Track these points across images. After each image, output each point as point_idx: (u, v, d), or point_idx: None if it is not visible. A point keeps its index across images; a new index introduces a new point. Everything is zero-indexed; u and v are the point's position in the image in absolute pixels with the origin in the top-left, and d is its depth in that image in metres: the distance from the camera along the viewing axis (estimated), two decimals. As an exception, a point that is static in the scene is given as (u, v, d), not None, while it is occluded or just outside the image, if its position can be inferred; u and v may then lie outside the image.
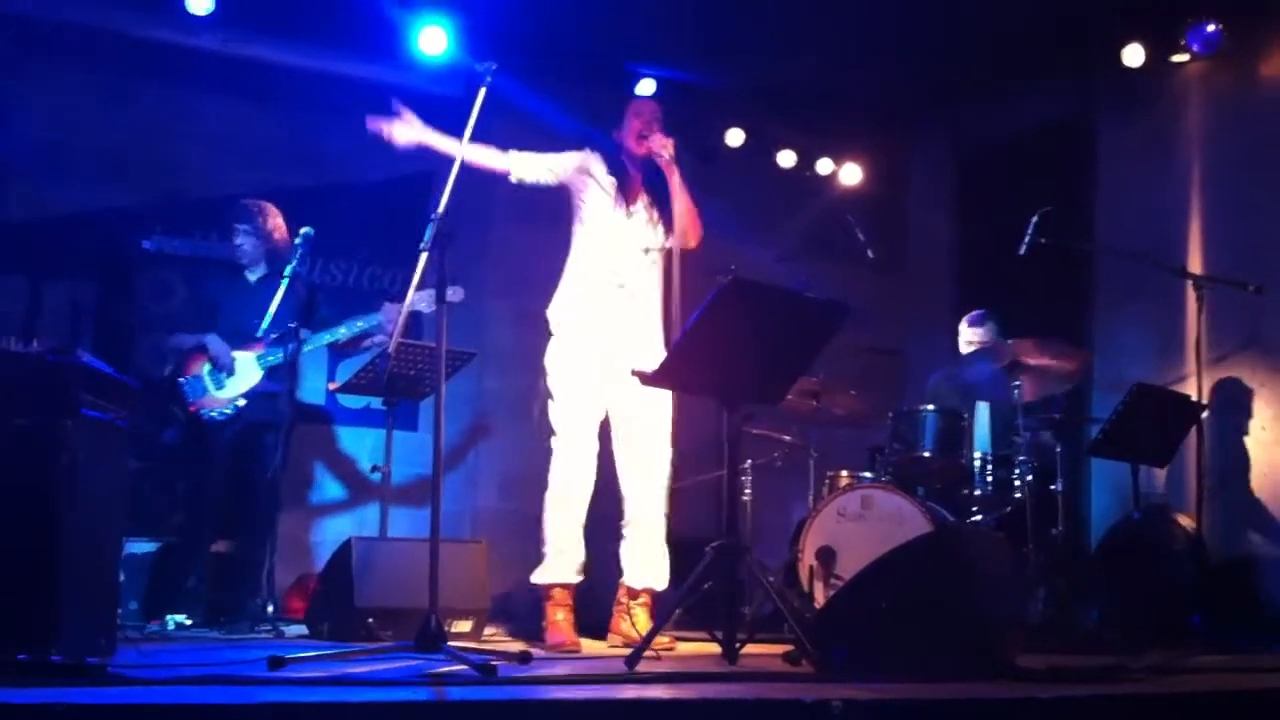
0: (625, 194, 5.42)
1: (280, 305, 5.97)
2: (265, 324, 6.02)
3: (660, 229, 5.42)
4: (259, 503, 6.15)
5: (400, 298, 6.13)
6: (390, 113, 5.26)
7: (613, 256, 5.37)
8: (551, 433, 5.25)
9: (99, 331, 6.73)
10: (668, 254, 5.38)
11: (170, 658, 4.03)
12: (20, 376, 3.42)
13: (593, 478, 5.24)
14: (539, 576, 5.23)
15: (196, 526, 6.10)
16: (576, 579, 5.24)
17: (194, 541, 6.08)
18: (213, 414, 6.10)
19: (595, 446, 5.25)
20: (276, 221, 6.34)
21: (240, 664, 3.73)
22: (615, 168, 5.46)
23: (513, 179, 5.43)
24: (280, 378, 6.09)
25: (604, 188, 5.42)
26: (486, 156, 5.36)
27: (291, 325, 5.97)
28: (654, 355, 5.16)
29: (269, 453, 6.13)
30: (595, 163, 5.47)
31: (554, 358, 5.33)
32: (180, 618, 5.75)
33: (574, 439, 5.21)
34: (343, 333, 6.12)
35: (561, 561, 5.20)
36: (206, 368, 6.13)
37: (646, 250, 5.41)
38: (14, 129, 6.69)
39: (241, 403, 6.11)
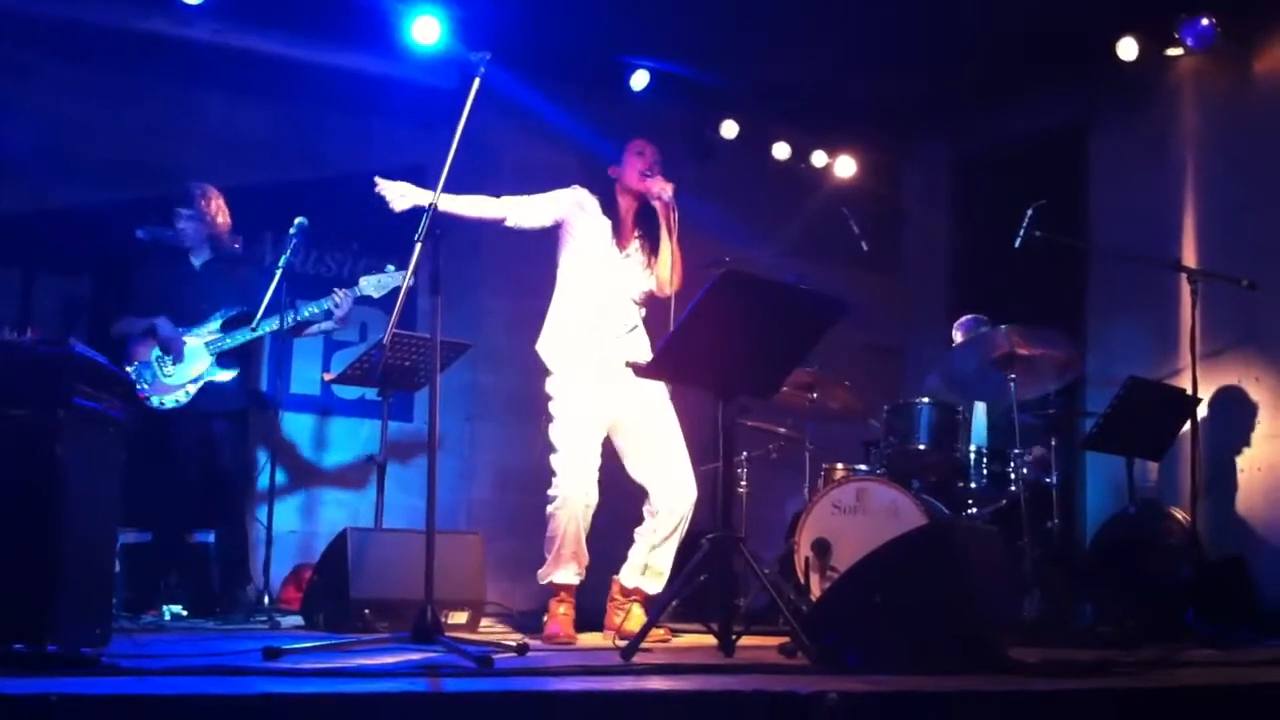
0: (619, 235, 5.39)
1: (273, 297, 5.95)
2: (259, 315, 5.99)
3: (650, 273, 5.40)
4: (227, 492, 6.15)
5: (382, 273, 6.18)
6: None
7: (604, 296, 5.34)
8: (554, 450, 5.25)
9: (93, 323, 6.71)
10: (647, 296, 5.41)
11: (165, 648, 4.02)
12: (14, 367, 3.42)
13: (595, 491, 5.22)
14: (546, 574, 5.22)
15: (169, 519, 6.05)
16: (578, 579, 5.24)
17: (169, 534, 6.04)
18: (164, 403, 5.99)
19: (597, 462, 5.23)
20: (219, 204, 6.26)
21: (236, 655, 3.73)
22: (609, 207, 5.41)
23: (508, 224, 5.36)
24: (231, 364, 6.08)
25: (598, 227, 5.39)
26: (480, 206, 5.30)
27: (235, 311, 5.98)
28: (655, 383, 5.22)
29: (226, 441, 6.12)
30: (589, 201, 5.43)
31: (555, 387, 5.30)
32: (176, 608, 5.74)
33: (575, 455, 5.18)
34: (290, 319, 6.02)
35: (568, 564, 5.20)
36: (155, 353, 6.02)
37: (636, 294, 5.39)
38: (10, 124, 6.67)
39: (193, 389, 6.01)
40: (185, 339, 6.05)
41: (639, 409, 5.28)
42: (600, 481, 5.22)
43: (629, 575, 5.30)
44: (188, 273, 6.24)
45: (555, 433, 5.24)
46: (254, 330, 6.00)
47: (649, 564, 5.28)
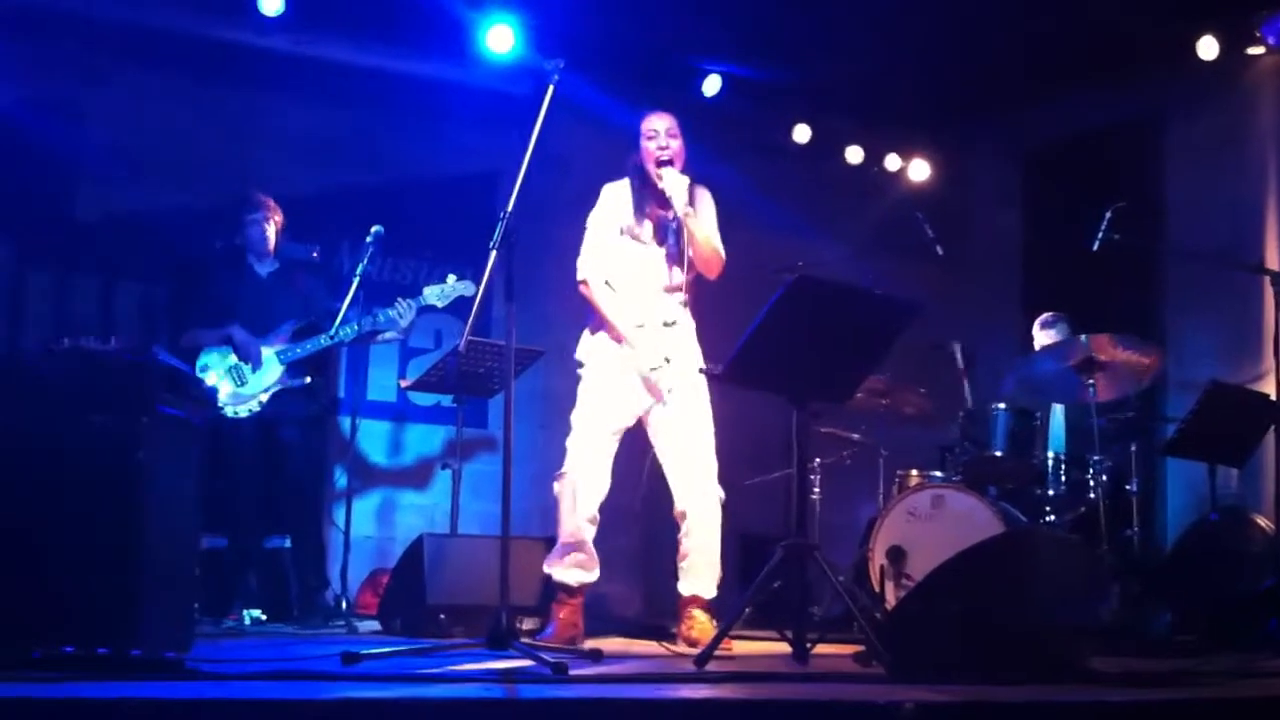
0: (640, 225, 5.24)
1: (350, 305, 6.02)
2: (336, 323, 6.05)
3: (685, 263, 5.22)
4: (301, 498, 6.21)
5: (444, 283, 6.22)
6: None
7: (631, 288, 5.23)
8: (569, 431, 5.24)
9: (172, 330, 6.83)
10: (692, 284, 5.27)
11: (245, 653, 4.08)
12: (98, 375, 3.47)
13: (606, 482, 5.17)
14: (547, 565, 5.21)
15: (242, 525, 6.11)
16: (577, 580, 5.15)
17: (243, 540, 6.10)
18: (237, 412, 6.03)
19: (609, 450, 5.16)
20: (279, 216, 6.34)
21: (315, 659, 3.78)
22: (637, 198, 5.24)
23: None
24: (302, 372, 6.14)
25: (624, 224, 5.24)
26: (611, 299, 5.22)
27: (304, 321, 6.06)
28: (694, 377, 5.14)
29: (298, 449, 6.18)
30: (623, 192, 5.28)
31: (583, 375, 5.24)
32: (256, 613, 5.81)
33: (584, 440, 5.14)
34: (354, 329, 6.07)
35: (566, 559, 5.15)
36: (229, 363, 6.08)
37: (673, 288, 5.23)
38: (88, 133, 6.80)
39: (265, 398, 6.06)
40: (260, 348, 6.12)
41: (671, 406, 5.19)
42: (650, 498, 5.18)
43: (681, 583, 5.26)
44: (254, 281, 6.31)
45: (574, 417, 5.22)
46: (332, 338, 6.05)
47: (686, 566, 5.21)
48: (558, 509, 5.18)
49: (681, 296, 5.27)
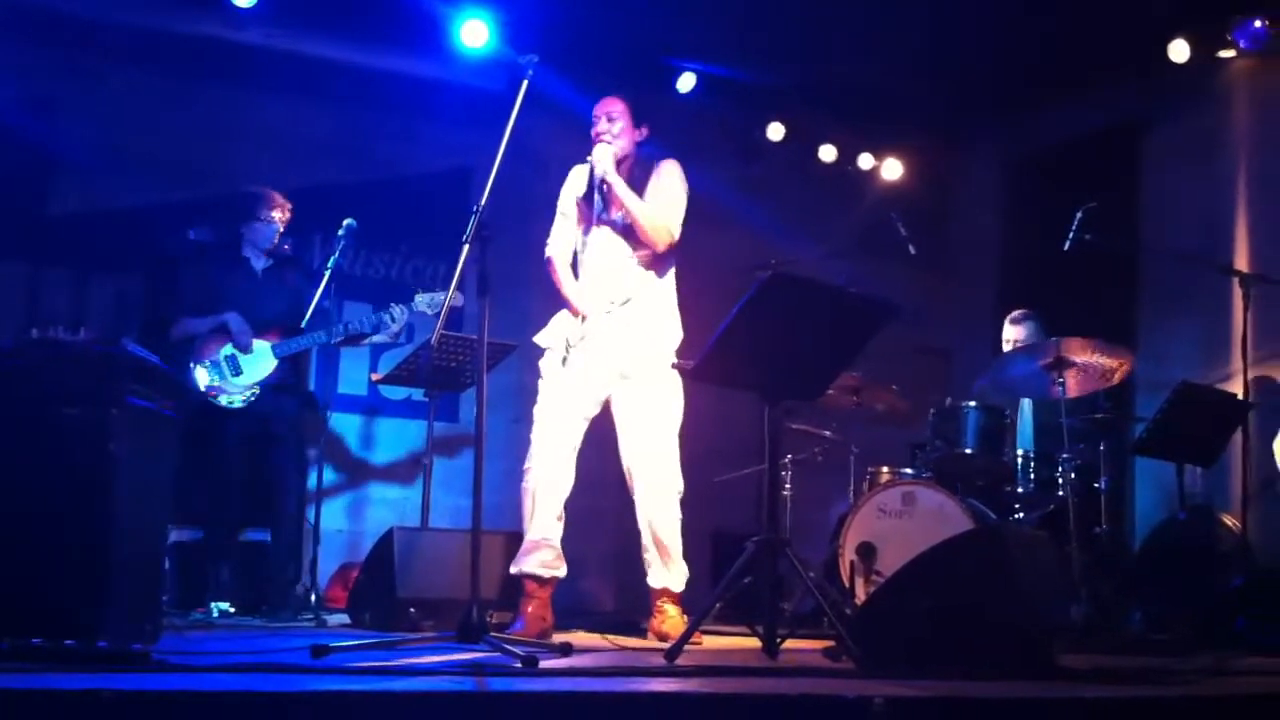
0: (593, 205, 5.30)
1: (321, 298, 6.03)
2: (308, 316, 6.07)
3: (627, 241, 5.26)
4: (282, 492, 6.20)
5: (437, 290, 6.23)
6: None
7: (585, 272, 5.29)
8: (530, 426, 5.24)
9: (145, 323, 6.79)
10: (654, 260, 5.27)
11: (214, 645, 4.06)
12: (68, 366, 3.45)
13: (569, 478, 5.17)
14: (514, 567, 5.19)
15: (221, 517, 6.10)
16: (545, 573, 5.14)
17: (221, 532, 6.09)
18: (231, 401, 6.03)
19: (573, 441, 5.18)
20: (288, 215, 6.35)
21: (283, 652, 3.76)
22: (590, 179, 5.33)
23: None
24: (288, 369, 6.15)
25: (578, 202, 5.35)
26: (571, 289, 5.31)
27: (293, 319, 6.06)
28: (655, 359, 5.15)
29: (285, 441, 6.18)
30: (580, 177, 5.39)
31: (541, 366, 5.27)
32: (224, 605, 5.80)
33: (541, 434, 5.16)
34: (341, 330, 6.13)
35: (530, 552, 5.14)
36: (224, 352, 6.08)
37: (623, 264, 5.25)
38: (62, 126, 6.77)
39: (256, 391, 6.06)
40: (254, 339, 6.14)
41: (628, 391, 5.19)
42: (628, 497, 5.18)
43: (649, 576, 5.26)
44: (249, 276, 6.31)
45: (535, 409, 5.23)
46: (328, 336, 6.10)
47: (650, 559, 5.22)
48: (523, 509, 5.17)
49: (639, 273, 5.25)
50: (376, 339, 6.33)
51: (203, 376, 6.01)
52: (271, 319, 6.15)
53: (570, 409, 5.18)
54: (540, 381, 5.26)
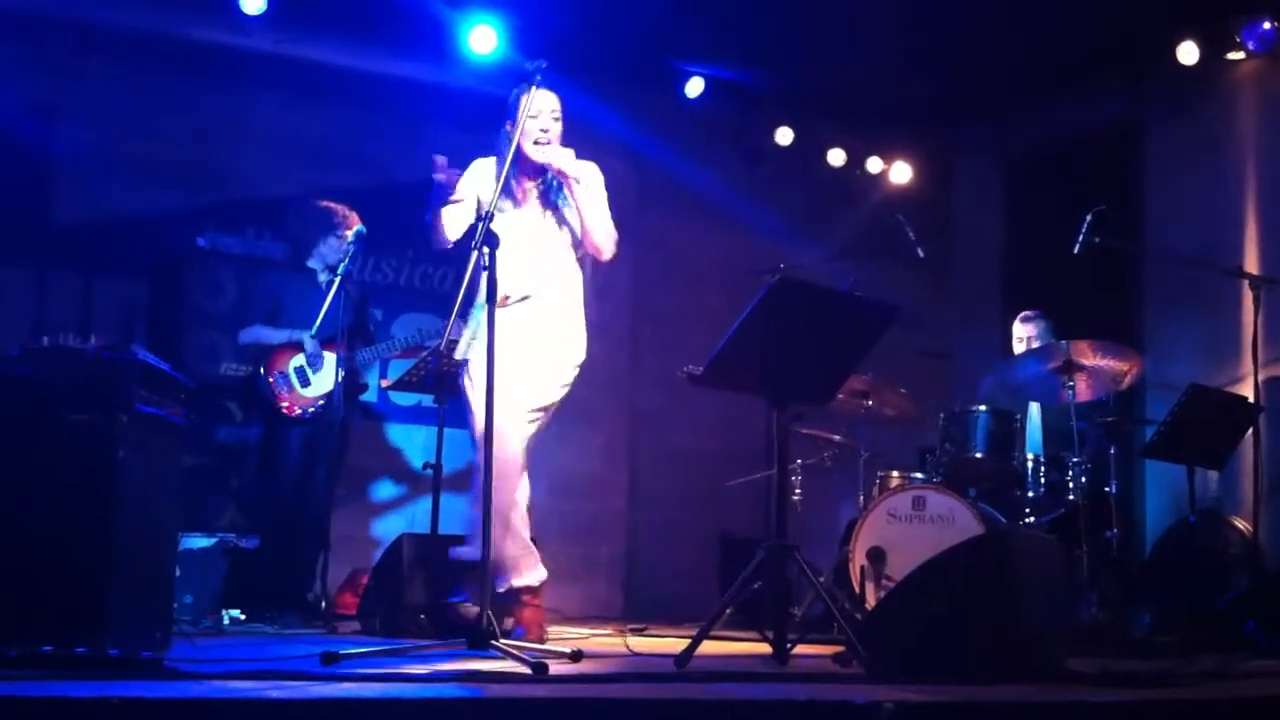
0: (512, 197, 5.02)
1: (331, 305, 6.03)
2: (317, 323, 6.07)
3: (563, 233, 5.05)
4: (318, 500, 6.21)
5: (450, 297, 6.23)
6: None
7: (504, 267, 4.65)
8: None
9: (152, 328, 6.80)
10: (585, 262, 5.11)
11: (224, 652, 4.06)
12: (77, 372, 3.45)
13: (520, 486, 5.08)
14: (501, 586, 4.97)
15: (276, 524, 6.22)
16: (537, 581, 5.05)
17: (281, 539, 6.17)
18: (302, 412, 6.21)
19: (522, 434, 5.04)
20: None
21: (294, 659, 3.76)
22: (511, 170, 4.89)
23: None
24: (350, 381, 6.29)
25: (494, 193, 4.74)
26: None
27: (357, 334, 6.18)
28: (567, 361, 5.01)
29: (332, 452, 6.22)
30: (490, 167, 5.10)
31: (472, 375, 5.09)
32: (235, 612, 5.80)
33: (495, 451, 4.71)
34: (404, 342, 6.41)
35: (518, 567, 5.03)
36: (295, 363, 6.22)
37: (547, 257, 5.01)
38: (67, 130, 6.78)
39: (321, 402, 6.21)
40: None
41: (525, 385, 4.99)
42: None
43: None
44: (316, 290, 6.33)
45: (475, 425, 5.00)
46: (393, 351, 6.40)
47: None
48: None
49: (545, 270, 5.02)
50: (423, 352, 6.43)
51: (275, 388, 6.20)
52: (336, 333, 6.16)
53: (506, 428, 4.89)
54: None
